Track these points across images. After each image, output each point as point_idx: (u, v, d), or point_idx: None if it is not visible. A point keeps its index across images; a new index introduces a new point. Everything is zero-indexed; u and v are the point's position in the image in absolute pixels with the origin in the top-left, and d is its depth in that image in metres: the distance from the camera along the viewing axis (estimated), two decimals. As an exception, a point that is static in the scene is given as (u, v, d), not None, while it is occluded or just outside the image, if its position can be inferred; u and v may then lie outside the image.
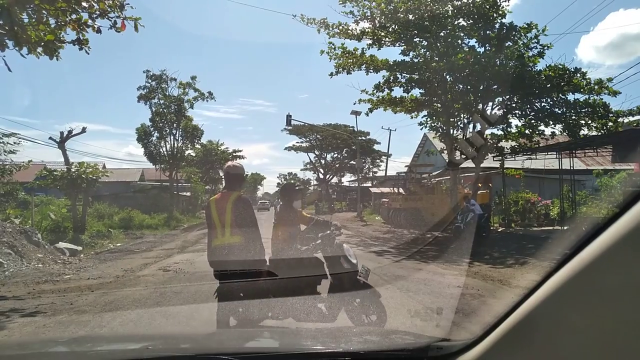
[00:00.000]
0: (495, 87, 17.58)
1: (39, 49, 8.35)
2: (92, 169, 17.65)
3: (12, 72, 8.79)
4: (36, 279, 9.30)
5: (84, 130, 20.50)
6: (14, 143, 19.55)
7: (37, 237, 12.92)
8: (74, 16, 8.48)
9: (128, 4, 8.63)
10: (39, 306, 6.76)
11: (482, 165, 19.73)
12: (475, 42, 17.95)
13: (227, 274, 4.46)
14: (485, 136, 18.44)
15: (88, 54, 9.05)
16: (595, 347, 1.06)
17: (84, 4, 8.37)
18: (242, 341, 2.68)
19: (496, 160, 20.18)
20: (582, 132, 17.13)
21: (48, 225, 16.52)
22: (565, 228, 16.51)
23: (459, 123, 19.81)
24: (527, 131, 18.11)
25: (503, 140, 19.32)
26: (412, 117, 21.17)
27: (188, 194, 41.67)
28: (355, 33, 18.24)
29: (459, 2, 17.21)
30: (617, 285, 1.00)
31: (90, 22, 8.58)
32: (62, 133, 19.66)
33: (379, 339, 2.48)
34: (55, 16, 8.34)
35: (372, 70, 18.73)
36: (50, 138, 21.84)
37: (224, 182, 4.86)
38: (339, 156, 53.59)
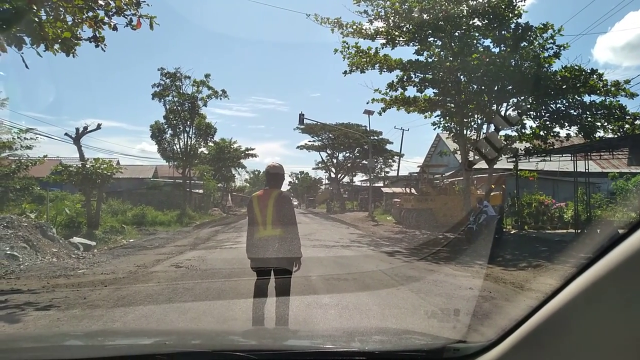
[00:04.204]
0: (510, 87, 17.39)
1: (56, 46, 8.47)
2: (106, 165, 17.82)
3: (29, 69, 8.91)
4: (50, 273, 9.43)
5: (99, 126, 20.74)
6: (31, 138, 19.93)
7: (52, 232, 13.10)
8: (90, 13, 8.59)
9: (144, 1, 8.73)
10: (53, 300, 6.84)
11: (495, 166, 19.57)
12: (490, 42, 17.81)
13: (264, 270, 4.78)
14: (499, 137, 18.30)
15: (104, 51, 9.19)
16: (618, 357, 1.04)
17: (100, 1, 8.48)
18: (258, 339, 2.69)
19: (510, 162, 20.01)
20: (597, 134, 16.91)
21: (63, 220, 16.71)
22: (579, 231, 16.30)
23: (472, 124, 19.68)
24: (541, 133, 17.92)
25: (517, 142, 19.15)
26: (425, 117, 20.99)
27: (201, 191, 41.89)
28: (369, 32, 18.18)
29: (474, 2, 17.05)
30: None
31: (106, 19, 8.69)
32: (77, 129, 19.89)
33: (394, 339, 2.47)
34: (72, 13, 8.45)
35: (385, 70, 18.66)
36: (66, 134, 22.16)
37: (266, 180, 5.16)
38: (351, 155, 53.40)
